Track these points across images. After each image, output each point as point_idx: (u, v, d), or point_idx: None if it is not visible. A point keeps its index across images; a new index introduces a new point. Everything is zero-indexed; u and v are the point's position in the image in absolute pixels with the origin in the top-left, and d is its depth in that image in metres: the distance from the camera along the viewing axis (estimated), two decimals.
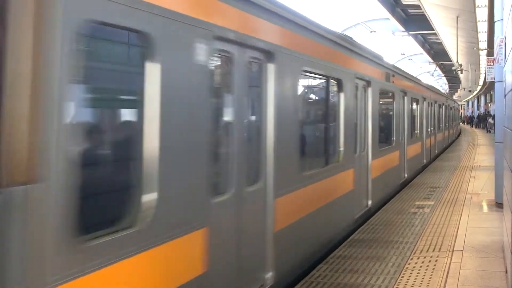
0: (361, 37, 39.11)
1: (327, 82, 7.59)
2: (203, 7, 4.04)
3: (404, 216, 9.48)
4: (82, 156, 2.85)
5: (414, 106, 15.91)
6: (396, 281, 5.87)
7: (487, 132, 44.80)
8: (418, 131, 16.42)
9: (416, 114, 16.23)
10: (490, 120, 42.43)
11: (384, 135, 11.50)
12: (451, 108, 32.06)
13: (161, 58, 3.46)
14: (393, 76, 12.11)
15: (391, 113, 12.53)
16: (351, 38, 9.27)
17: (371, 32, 33.93)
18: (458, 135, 40.03)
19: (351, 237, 7.94)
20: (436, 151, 22.08)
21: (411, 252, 7.04)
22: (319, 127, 7.91)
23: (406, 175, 13.91)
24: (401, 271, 6.23)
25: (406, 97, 13.91)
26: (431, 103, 20.07)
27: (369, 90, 9.79)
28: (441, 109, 24.46)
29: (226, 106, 4.67)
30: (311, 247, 6.60)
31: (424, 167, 17.77)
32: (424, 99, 17.75)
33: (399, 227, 8.63)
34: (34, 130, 2.52)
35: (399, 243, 7.57)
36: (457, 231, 8.25)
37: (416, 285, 5.77)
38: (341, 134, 7.93)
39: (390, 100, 12.43)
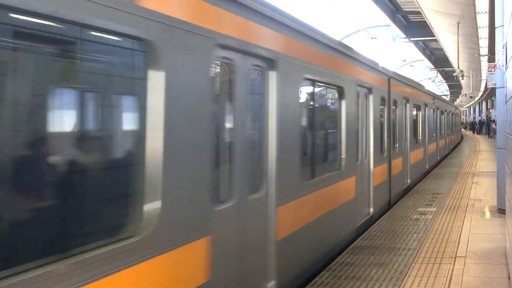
0: (361, 44, 39.28)
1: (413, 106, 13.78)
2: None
3: (406, 223, 9.47)
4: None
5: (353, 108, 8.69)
6: None
7: (489, 137, 44.75)
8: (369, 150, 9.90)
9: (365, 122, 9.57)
10: (493, 125, 42.39)
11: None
12: (442, 112, 24.09)
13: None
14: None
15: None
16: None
17: (371, 38, 34.09)
18: (459, 143, 39.18)
19: (353, 244, 7.94)
20: (408, 181, 14.33)
21: (414, 259, 7.04)
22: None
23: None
24: (404, 278, 6.23)
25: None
26: (405, 104, 13.71)
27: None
28: (423, 113, 17.12)
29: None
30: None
31: (387, 209, 11.24)
32: (391, 96, 11.69)
33: (402, 233, 8.62)
34: None
35: (402, 249, 7.57)
36: (459, 238, 8.24)
37: None
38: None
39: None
